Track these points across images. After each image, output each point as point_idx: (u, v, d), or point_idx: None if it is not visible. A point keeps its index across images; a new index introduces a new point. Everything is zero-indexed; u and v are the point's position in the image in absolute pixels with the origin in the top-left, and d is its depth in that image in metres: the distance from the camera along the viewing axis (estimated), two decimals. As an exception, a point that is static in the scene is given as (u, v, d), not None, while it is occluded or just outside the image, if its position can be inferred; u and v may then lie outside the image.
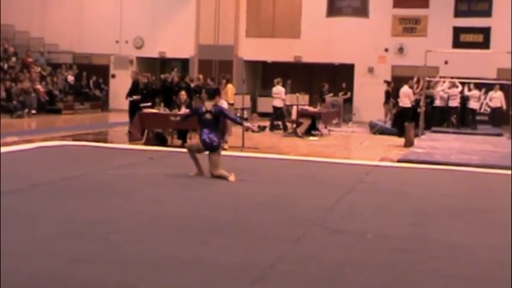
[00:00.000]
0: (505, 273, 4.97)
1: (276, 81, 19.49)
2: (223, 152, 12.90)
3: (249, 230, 6.13)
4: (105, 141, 15.07)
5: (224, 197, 7.79)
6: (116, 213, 6.63)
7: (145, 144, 13.77)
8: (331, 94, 22.82)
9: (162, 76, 19.73)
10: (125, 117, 17.15)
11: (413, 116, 17.92)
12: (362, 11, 24.78)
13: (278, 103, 18.81)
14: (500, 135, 19.86)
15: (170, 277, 4.55)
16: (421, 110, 18.24)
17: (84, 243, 5.37)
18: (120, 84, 26.54)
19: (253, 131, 14.58)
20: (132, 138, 14.70)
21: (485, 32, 23.71)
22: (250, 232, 6.03)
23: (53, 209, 6.68)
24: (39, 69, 24.59)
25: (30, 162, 10.50)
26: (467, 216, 7.19)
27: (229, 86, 17.16)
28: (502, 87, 21.14)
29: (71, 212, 6.56)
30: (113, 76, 27.48)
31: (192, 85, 18.68)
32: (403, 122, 16.78)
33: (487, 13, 23.71)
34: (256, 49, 25.68)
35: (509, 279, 4.79)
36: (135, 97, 15.70)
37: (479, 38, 23.76)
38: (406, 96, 18.29)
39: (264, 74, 27.60)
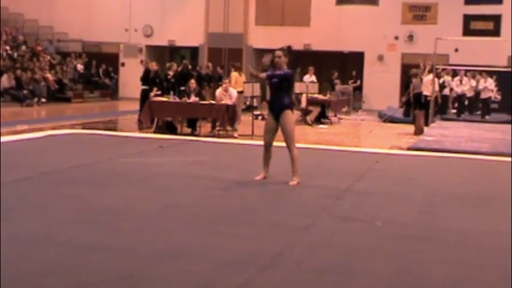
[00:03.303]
0: (514, 261, 4.97)
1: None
2: (233, 141, 12.99)
3: (258, 217, 6.14)
4: (115, 130, 15.11)
5: (234, 185, 7.80)
6: (126, 201, 6.65)
7: (155, 132, 13.80)
8: (338, 82, 22.77)
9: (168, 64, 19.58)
10: (135, 106, 17.20)
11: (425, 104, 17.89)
12: (372, -2, 24.70)
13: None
14: (509, 122, 19.78)
15: (180, 265, 4.57)
16: (431, 98, 18.16)
17: (94, 231, 5.40)
18: (129, 73, 26.62)
19: None
20: (141, 127, 14.73)
21: (496, 19, 23.52)
22: (259, 220, 6.04)
23: (63, 197, 6.71)
24: (48, 57, 24.64)
25: (40, 150, 10.55)
26: (476, 204, 7.18)
27: (233, 73, 17.13)
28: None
29: (81, 200, 6.59)
30: (123, 64, 27.51)
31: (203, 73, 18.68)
32: (422, 109, 16.73)
33: (498, 0, 23.52)
34: (265, 37, 25.57)
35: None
36: (155, 92, 15.30)
37: (490, 25, 23.58)
38: (431, 85, 18.16)
39: (274, 62, 27.47)
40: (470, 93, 21.10)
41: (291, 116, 7.88)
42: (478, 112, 21.13)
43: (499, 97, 21.95)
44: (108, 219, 5.84)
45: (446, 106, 20.88)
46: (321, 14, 24.91)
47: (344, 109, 21.07)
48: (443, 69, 20.95)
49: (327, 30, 24.57)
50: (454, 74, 21.19)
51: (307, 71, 20.77)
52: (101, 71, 26.35)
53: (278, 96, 7.90)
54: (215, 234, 5.45)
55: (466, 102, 21.27)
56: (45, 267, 4.41)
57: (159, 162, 9.45)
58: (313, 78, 20.05)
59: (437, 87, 18.53)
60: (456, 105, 21.27)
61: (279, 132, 7.97)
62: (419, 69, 19.24)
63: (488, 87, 20.56)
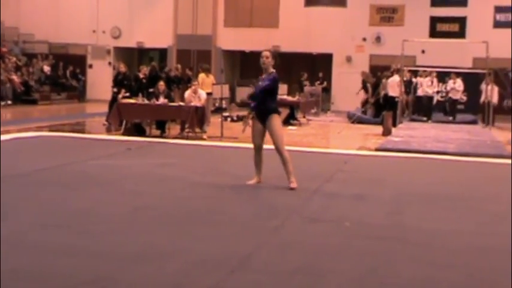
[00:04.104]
0: (481, 260, 5.05)
1: None
2: (202, 142, 12.97)
3: (227, 219, 6.14)
4: (83, 132, 14.98)
5: (203, 186, 7.79)
6: (95, 203, 6.61)
7: (123, 134, 13.71)
8: (308, 83, 22.88)
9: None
10: (103, 108, 17.08)
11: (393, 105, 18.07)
12: (340, 0, 24.88)
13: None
14: (475, 122, 20.10)
15: (149, 267, 4.55)
16: (400, 99, 18.37)
17: (63, 234, 5.35)
18: (97, 75, 26.44)
19: None
20: (110, 129, 14.63)
21: (461, 21, 23.89)
22: (229, 222, 6.04)
23: (31, 201, 6.64)
24: (14, 59, 24.30)
25: (6, 153, 10.37)
26: (444, 204, 7.27)
27: (200, 75, 17.13)
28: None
29: (50, 204, 6.53)
30: (90, 66, 27.30)
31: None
32: (390, 111, 16.87)
33: (463, 3, 23.88)
34: (234, 39, 25.63)
35: (486, 266, 4.87)
36: (123, 94, 15.28)
37: (455, 27, 23.95)
38: (397, 86, 18.34)
39: (243, 64, 27.56)
40: (437, 95, 21.34)
41: (278, 120, 7.83)
42: (441, 113, 21.38)
43: (464, 98, 22.28)
44: (77, 222, 5.79)
45: (429, 108, 20.91)
46: (290, 16, 25.02)
47: (313, 110, 21.18)
48: (411, 71, 21.15)
49: (295, 31, 24.67)
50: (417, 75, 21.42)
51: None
52: (68, 72, 26.11)
53: (264, 101, 7.81)
54: (184, 236, 5.44)
55: (434, 103, 21.50)
56: (14, 272, 4.35)
57: (128, 164, 9.39)
58: None
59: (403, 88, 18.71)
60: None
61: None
62: (389, 71, 19.45)
63: (457, 88, 20.82)
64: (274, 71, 7.81)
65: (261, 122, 7.82)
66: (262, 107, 7.81)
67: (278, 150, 7.76)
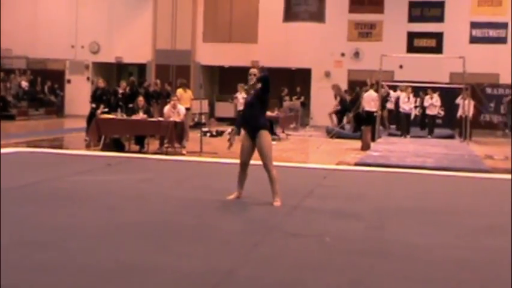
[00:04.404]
0: (460, 273, 5.08)
1: (239, 86, 19.60)
2: (181, 158, 12.93)
3: (208, 235, 6.13)
4: (61, 148, 14.88)
5: (183, 202, 7.76)
6: (75, 220, 6.55)
7: (102, 150, 13.64)
8: (288, 98, 22.97)
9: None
10: (81, 123, 16.98)
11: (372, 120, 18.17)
12: (318, 16, 25.08)
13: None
14: (452, 137, 20.28)
15: (130, 284, 4.52)
16: (378, 113, 18.49)
17: (41, 251, 5.30)
18: (76, 90, 26.31)
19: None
20: (89, 145, 14.55)
21: (438, 37, 24.22)
22: (209, 237, 6.02)
23: (10, 217, 6.55)
24: (-9, 74, 24.15)
25: (-16, 169, 10.29)
26: (423, 218, 7.32)
27: (178, 90, 17.17)
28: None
29: (28, 220, 6.46)
30: (69, 81, 27.17)
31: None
32: (368, 126, 16.94)
33: (440, 18, 24.21)
34: (213, 54, 25.68)
35: (466, 279, 4.90)
36: (102, 109, 15.23)
37: (433, 42, 24.26)
38: (373, 101, 18.46)
39: (222, 79, 27.61)
40: (415, 110, 21.45)
41: (268, 136, 7.74)
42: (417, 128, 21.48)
43: (442, 113, 22.48)
44: (57, 239, 5.73)
45: (407, 123, 20.85)
46: (269, 31, 25.14)
47: (292, 125, 21.25)
48: (389, 86, 21.28)
49: (274, 46, 24.79)
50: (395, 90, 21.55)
51: None
52: (46, 88, 25.97)
53: (253, 116, 7.70)
54: (166, 252, 5.42)
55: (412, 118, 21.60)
56: (-10, 290, 4.30)
57: (108, 180, 9.33)
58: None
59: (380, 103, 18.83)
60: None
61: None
62: (367, 86, 19.57)
63: (434, 103, 20.96)
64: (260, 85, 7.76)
65: (251, 137, 7.74)
66: (252, 123, 7.72)
67: (266, 168, 7.68)
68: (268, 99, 7.81)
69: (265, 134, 7.69)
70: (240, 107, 18.80)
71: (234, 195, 7.89)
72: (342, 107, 20.68)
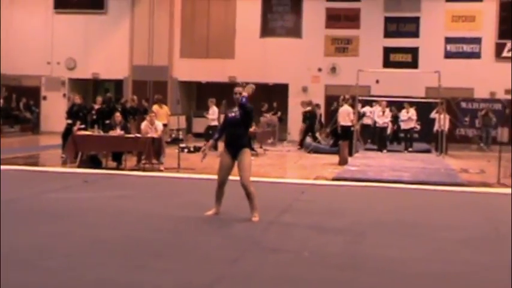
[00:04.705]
0: (438, 286, 5.11)
1: (209, 101, 19.58)
2: (159, 174, 12.88)
3: (186, 251, 6.10)
4: (37, 165, 14.73)
5: (161, 219, 7.73)
6: (51, 238, 6.49)
7: (79, 167, 13.54)
8: (269, 114, 23.01)
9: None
10: (57, 140, 16.82)
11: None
12: (295, 31, 25.28)
13: (213, 123, 18.85)
14: (429, 151, 20.44)
15: (107, 302, 4.48)
16: (355, 128, 18.59)
17: (16, 270, 5.23)
18: (51, 106, 26.12)
19: None
20: (65, 161, 14.42)
21: (414, 52, 24.51)
22: (188, 254, 6.00)
23: (-16, 236, 6.48)
24: (-35, 91, 23.92)
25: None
26: (400, 232, 7.36)
27: (154, 106, 17.17)
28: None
29: (3, 238, 6.38)
30: (44, 98, 26.98)
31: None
32: (345, 140, 16.98)
33: (415, 34, 24.52)
34: (190, 69, 25.71)
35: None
36: (78, 126, 15.13)
37: (408, 57, 24.55)
38: (348, 115, 18.53)
39: (199, 95, 27.61)
40: (390, 125, 21.58)
41: (249, 154, 7.80)
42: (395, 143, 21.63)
43: (418, 127, 22.65)
44: (32, 257, 5.67)
45: (383, 138, 20.89)
46: (246, 46, 25.25)
47: (269, 140, 21.27)
48: (366, 101, 21.45)
49: (251, 62, 24.88)
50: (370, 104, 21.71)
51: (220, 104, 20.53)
52: (21, 104, 25.76)
53: (236, 134, 7.76)
54: (144, 269, 5.38)
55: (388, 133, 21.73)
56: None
57: (85, 197, 9.26)
58: (214, 109, 19.62)
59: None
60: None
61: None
62: (342, 101, 19.63)
63: (411, 117, 21.07)
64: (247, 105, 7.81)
65: (231, 155, 7.76)
66: (236, 142, 7.75)
67: (244, 185, 7.69)
68: (252, 119, 7.93)
69: (247, 152, 7.77)
70: (212, 123, 18.85)
71: (212, 212, 7.90)
72: (310, 123, 20.79)
